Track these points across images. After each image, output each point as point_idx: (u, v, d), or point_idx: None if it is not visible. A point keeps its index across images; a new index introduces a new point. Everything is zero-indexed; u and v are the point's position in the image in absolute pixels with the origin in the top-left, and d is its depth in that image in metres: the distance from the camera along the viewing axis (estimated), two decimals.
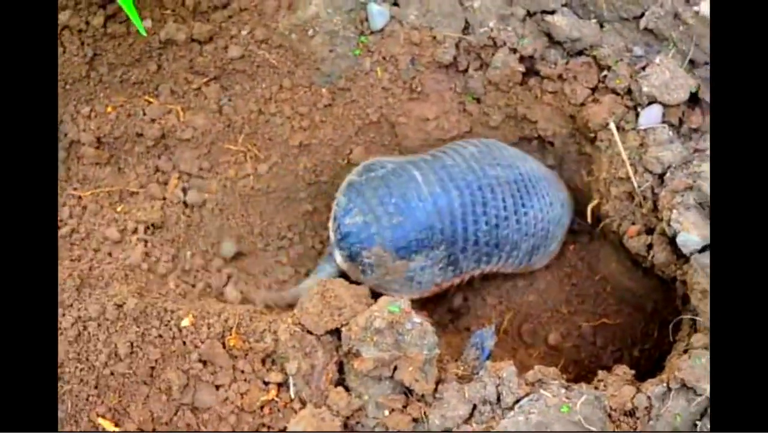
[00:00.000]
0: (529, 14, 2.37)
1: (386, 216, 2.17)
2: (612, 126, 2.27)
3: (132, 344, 1.92)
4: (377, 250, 2.17)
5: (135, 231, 2.23)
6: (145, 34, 2.22)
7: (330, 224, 2.29)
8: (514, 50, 2.37)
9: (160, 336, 1.94)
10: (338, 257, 2.27)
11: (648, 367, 2.22)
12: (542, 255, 2.49)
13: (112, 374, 1.90)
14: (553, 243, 2.50)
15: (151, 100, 2.38)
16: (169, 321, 1.97)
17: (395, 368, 1.83)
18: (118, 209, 2.27)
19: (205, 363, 1.93)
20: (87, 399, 1.89)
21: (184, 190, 2.37)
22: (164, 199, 2.33)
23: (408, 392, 1.86)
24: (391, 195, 2.18)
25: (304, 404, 1.89)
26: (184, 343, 1.94)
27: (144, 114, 2.36)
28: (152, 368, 1.92)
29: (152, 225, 2.26)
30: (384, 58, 2.41)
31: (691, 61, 2.22)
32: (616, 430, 1.78)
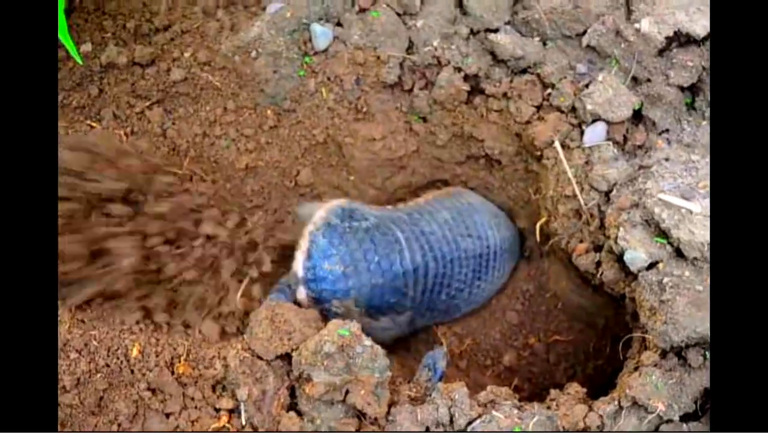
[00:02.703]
0: (473, 33, 2.37)
1: (367, 274, 2.14)
2: (557, 144, 2.28)
3: (79, 374, 1.89)
4: (349, 303, 2.13)
5: None
6: (81, 62, 2.19)
7: (299, 260, 2.19)
8: (459, 69, 2.37)
9: (107, 366, 1.91)
10: (302, 293, 2.19)
11: (602, 382, 2.23)
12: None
13: (59, 405, 1.86)
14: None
15: (94, 124, 2.35)
16: (116, 350, 1.93)
17: (347, 392, 1.82)
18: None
19: (154, 391, 1.90)
20: None
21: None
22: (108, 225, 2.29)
23: (361, 415, 1.84)
24: (376, 252, 2.16)
25: (255, 430, 1.87)
26: (132, 371, 1.91)
27: None
28: (100, 398, 1.88)
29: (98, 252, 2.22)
30: (329, 78, 2.40)
31: (634, 78, 2.24)
32: None
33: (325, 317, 2.10)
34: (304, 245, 2.19)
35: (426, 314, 2.34)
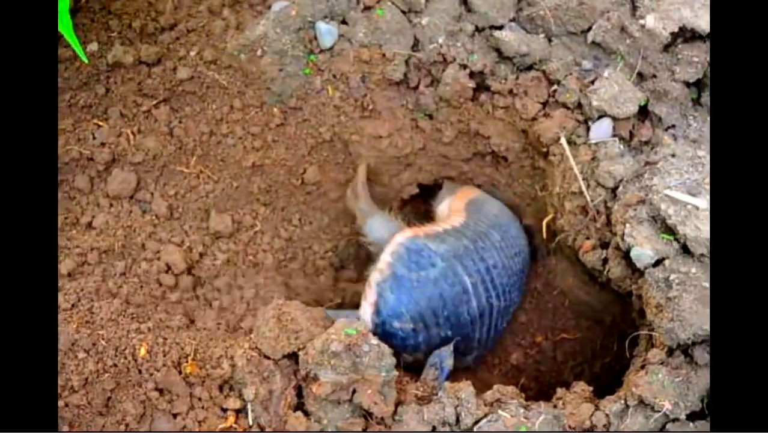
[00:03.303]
0: (478, 30, 2.36)
1: (435, 328, 2.14)
2: (563, 140, 2.27)
3: (86, 374, 1.89)
4: (419, 355, 2.13)
5: (87, 259, 2.20)
6: (87, 61, 2.20)
7: (367, 312, 2.16)
8: (464, 66, 2.36)
9: (115, 366, 1.91)
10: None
11: (609, 380, 2.22)
12: None
13: (66, 405, 1.86)
14: None
15: (101, 123, 2.36)
16: (124, 350, 1.94)
17: (354, 391, 1.82)
18: (69, 236, 2.24)
19: (161, 391, 1.91)
20: None
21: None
22: (118, 224, 2.30)
23: (367, 415, 1.85)
24: (445, 307, 2.14)
25: (262, 430, 1.87)
26: (140, 372, 1.91)
27: (94, 138, 2.33)
28: (108, 398, 1.89)
29: (106, 252, 2.23)
30: (334, 76, 2.40)
31: (639, 74, 2.23)
32: None
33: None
34: (371, 296, 2.17)
35: (490, 344, 2.36)
